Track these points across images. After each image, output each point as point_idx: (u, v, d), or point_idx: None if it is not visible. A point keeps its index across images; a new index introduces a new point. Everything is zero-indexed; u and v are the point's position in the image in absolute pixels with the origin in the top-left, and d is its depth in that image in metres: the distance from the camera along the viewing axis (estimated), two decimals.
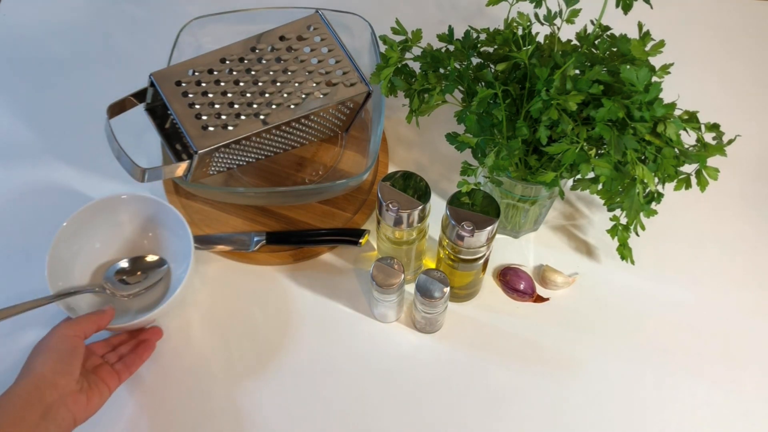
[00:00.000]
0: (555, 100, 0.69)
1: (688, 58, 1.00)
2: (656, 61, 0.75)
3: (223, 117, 0.81)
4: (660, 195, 0.74)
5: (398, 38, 0.80)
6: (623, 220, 0.78)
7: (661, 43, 0.72)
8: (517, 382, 0.81)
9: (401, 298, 0.80)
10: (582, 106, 0.70)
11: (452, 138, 0.76)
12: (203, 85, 0.81)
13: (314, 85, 0.84)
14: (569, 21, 0.75)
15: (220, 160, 0.83)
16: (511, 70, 0.76)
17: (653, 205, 0.73)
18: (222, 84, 0.82)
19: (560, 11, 0.75)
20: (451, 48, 0.79)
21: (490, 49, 0.79)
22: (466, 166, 0.75)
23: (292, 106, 0.83)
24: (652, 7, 0.73)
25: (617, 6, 0.72)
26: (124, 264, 0.85)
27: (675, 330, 0.84)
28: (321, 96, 0.84)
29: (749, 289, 0.86)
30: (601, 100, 0.69)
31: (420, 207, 0.72)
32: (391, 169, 0.94)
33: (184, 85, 0.81)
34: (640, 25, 0.75)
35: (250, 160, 0.88)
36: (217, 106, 0.81)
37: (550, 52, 0.77)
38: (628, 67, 0.67)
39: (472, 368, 0.82)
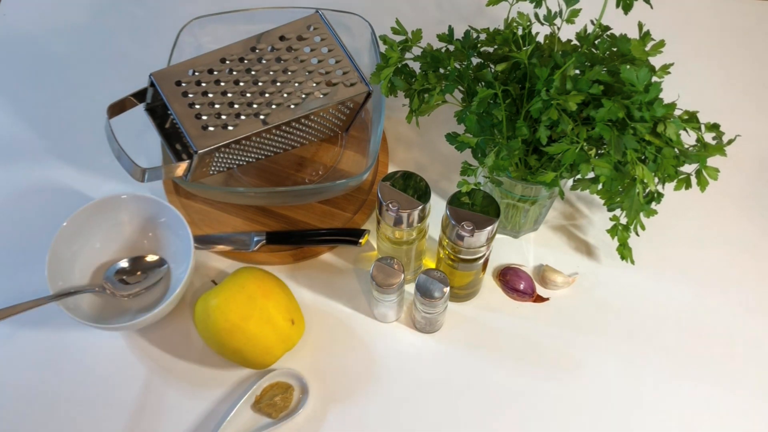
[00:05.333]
0: (555, 100, 0.69)
1: (688, 58, 1.00)
2: (656, 61, 0.75)
3: (223, 117, 0.81)
4: (660, 195, 0.74)
5: (398, 38, 0.80)
6: (623, 220, 0.78)
7: (661, 43, 0.72)
8: (517, 381, 0.81)
9: (401, 298, 0.80)
10: (582, 106, 0.70)
11: (452, 138, 0.76)
12: (203, 85, 0.81)
13: (314, 85, 0.84)
14: (569, 21, 0.75)
15: (220, 160, 0.83)
16: (511, 70, 0.76)
17: (653, 205, 0.74)
18: (222, 84, 0.82)
19: (560, 11, 0.75)
20: (451, 48, 0.79)
21: (490, 49, 0.79)
22: (466, 166, 0.75)
23: (292, 106, 0.83)
24: (652, 7, 0.73)
25: (617, 6, 0.72)
26: (124, 264, 0.85)
27: (675, 330, 0.84)
28: (321, 96, 0.84)
29: (749, 289, 0.86)
30: (601, 100, 0.69)
31: (420, 207, 0.72)
32: (391, 169, 0.94)
33: (184, 85, 0.81)
34: (640, 25, 0.75)
35: (250, 160, 0.88)
36: (217, 106, 0.81)
37: (550, 52, 0.77)
38: (628, 67, 0.67)
39: (472, 368, 0.82)
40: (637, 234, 0.78)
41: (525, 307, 0.85)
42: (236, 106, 0.81)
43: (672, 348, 0.83)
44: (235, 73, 0.83)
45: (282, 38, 0.85)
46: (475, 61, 0.79)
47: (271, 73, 0.84)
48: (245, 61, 0.83)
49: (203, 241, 0.87)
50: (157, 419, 0.79)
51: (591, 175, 0.71)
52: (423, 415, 0.79)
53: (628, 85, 0.67)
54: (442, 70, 0.78)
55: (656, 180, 0.71)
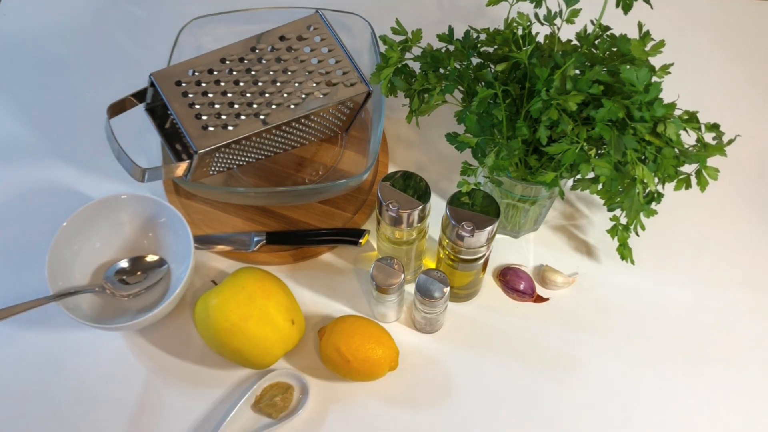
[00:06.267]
0: (555, 100, 0.69)
1: (688, 58, 1.00)
2: (656, 61, 0.75)
3: (223, 117, 0.81)
4: (660, 195, 0.74)
5: (398, 38, 0.80)
6: (623, 220, 0.78)
7: (661, 43, 0.72)
8: (517, 381, 0.81)
9: (401, 298, 0.80)
10: (582, 106, 0.70)
11: (452, 138, 0.76)
12: (203, 85, 0.81)
13: (314, 85, 0.84)
14: (569, 21, 0.75)
15: (220, 160, 0.83)
16: (511, 70, 0.76)
17: (653, 205, 0.74)
18: (222, 84, 0.82)
19: (560, 11, 0.75)
20: (451, 48, 0.79)
21: (490, 49, 0.79)
22: (466, 166, 0.75)
23: (292, 106, 0.83)
24: (652, 7, 0.73)
25: (617, 6, 0.72)
26: (124, 264, 0.85)
27: (675, 330, 0.84)
28: (321, 96, 0.84)
29: (749, 289, 0.86)
30: (601, 100, 0.69)
31: (420, 207, 0.72)
32: (391, 169, 0.94)
33: (184, 85, 0.81)
34: (640, 25, 0.75)
35: (250, 160, 0.88)
36: (217, 106, 0.81)
37: (550, 52, 0.77)
38: (628, 67, 0.67)
39: (472, 368, 0.82)
40: (637, 234, 0.78)
41: (525, 307, 0.85)
42: (236, 106, 0.81)
43: (672, 348, 0.83)
44: (235, 73, 0.83)
45: (282, 38, 0.85)
46: (475, 61, 0.79)
47: (271, 73, 0.84)
48: (245, 61, 0.83)
49: (203, 241, 0.87)
50: (157, 419, 0.79)
51: (591, 175, 0.71)
52: (423, 415, 0.79)
53: (628, 85, 0.67)
54: (442, 70, 0.78)
55: (656, 180, 0.71)
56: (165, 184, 0.92)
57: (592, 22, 0.76)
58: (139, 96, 0.83)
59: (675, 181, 0.72)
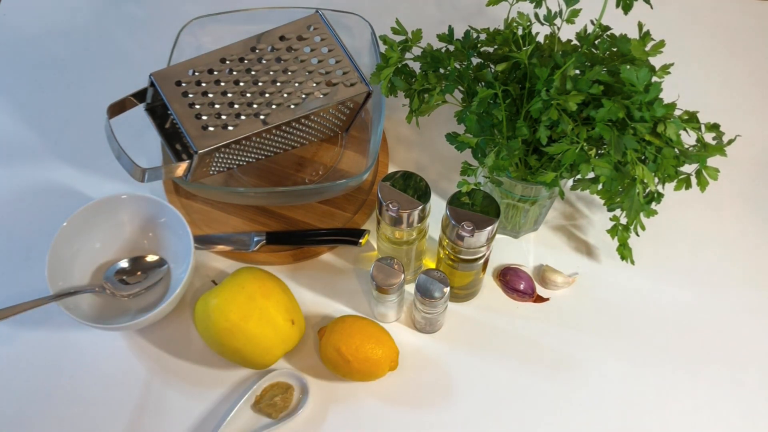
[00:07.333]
0: (555, 100, 0.69)
1: (688, 58, 1.00)
2: (656, 61, 0.75)
3: (223, 117, 0.81)
4: (660, 195, 0.74)
5: (398, 38, 0.80)
6: (623, 220, 0.78)
7: (661, 43, 0.72)
8: (517, 381, 0.81)
9: (401, 298, 0.80)
10: (582, 106, 0.70)
11: (452, 138, 0.76)
12: (203, 85, 0.81)
13: (314, 85, 0.84)
14: (569, 21, 0.75)
15: (220, 160, 0.83)
16: (511, 70, 0.76)
17: (653, 205, 0.74)
18: (222, 84, 0.82)
19: (560, 11, 0.75)
20: (451, 48, 0.79)
21: (490, 49, 0.79)
22: (466, 166, 0.75)
23: (292, 106, 0.83)
24: (652, 7, 0.73)
25: (617, 6, 0.72)
26: (124, 264, 0.85)
27: (675, 330, 0.84)
28: (321, 96, 0.84)
29: (749, 289, 0.86)
30: (601, 100, 0.69)
31: (420, 207, 0.72)
32: (391, 169, 0.94)
33: (184, 85, 0.81)
34: (640, 25, 0.75)
35: (250, 160, 0.88)
36: (217, 106, 0.81)
37: (550, 52, 0.77)
38: (628, 67, 0.67)
39: (472, 368, 0.82)
40: (637, 234, 0.78)
41: (525, 307, 0.85)
42: (236, 106, 0.81)
43: (672, 348, 0.83)
44: (235, 73, 0.83)
45: (282, 38, 0.85)
46: (475, 61, 0.79)
47: (271, 73, 0.84)
48: (245, 61, 0.83)
49: (203, 241, 0.87)
50: (157, 419, 0.79)
51: (591, 175, 0.71)
52: (423, 415, 0.79)
53: (628, 85, 0.67)
54: (442, 70, 0.78)
55: (656, 180, 0.71)
56: (165, 184, 0.92)
57: (592, 22, 0.76)
58: (139, 96, 0.83)
59: (675, 181, 0.72)
